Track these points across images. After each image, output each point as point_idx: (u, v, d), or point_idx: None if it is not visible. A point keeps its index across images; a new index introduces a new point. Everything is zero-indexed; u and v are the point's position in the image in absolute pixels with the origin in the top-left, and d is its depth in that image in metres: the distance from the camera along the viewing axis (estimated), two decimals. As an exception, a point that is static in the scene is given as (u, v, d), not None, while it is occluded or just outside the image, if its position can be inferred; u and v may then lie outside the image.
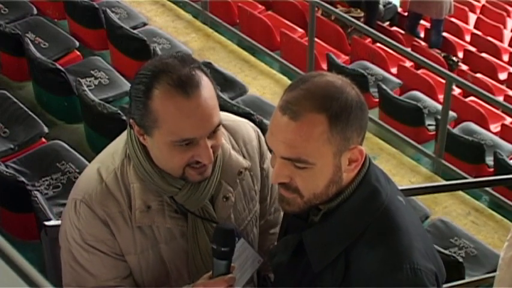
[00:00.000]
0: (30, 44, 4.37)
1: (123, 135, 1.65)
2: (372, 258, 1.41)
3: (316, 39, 6.25)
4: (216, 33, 6.48)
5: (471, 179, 5.11)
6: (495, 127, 6.64)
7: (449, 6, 8.58)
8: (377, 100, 6.16)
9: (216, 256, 1.56)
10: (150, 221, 1.59)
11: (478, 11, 10.99)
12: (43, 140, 3.74)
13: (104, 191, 1.57)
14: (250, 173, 1.72)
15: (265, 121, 4.21)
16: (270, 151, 1.47)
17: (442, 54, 8.29)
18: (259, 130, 1.80)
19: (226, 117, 1.74)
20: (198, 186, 1.59)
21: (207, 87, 1.51)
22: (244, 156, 1.71)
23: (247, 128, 1.77)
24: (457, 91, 6.94)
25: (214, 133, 1.53)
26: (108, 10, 5.16)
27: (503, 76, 8.44)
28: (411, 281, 1.39)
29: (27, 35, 4.68)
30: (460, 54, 8.79)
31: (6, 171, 3.17)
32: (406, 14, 9.34)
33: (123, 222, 1.58)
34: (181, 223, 1.62)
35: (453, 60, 8.21)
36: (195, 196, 1.59)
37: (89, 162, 1.73)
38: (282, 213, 1.88)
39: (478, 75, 7.96)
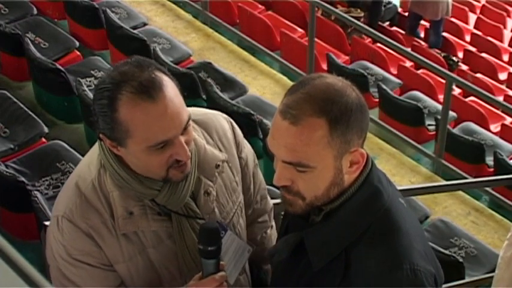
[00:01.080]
0: (30, 44, 4.37)
1: (97, 146, 1.63)
2: (372, 258, 1.42)
3: (316, 39, 6.25)
4: (216, 33, 6.48)
5: (471, 179, 5.11)
6: (495, 127, 6.64)
7: (446, 8, 8.55)
8: (377, 100, 6.16)
9: (204, 256, 1.56)
10: (135, 227, 1.57)
11: (478, 11, 10.99)
12: (43, 140, 3.74)
13: (83, 203, 1.56)
14: (228, 164, 1.71)
15: (265, 121, 4.20)
16: (272, 154, 1.47)
17: (442, 54, 8.28)
18: (231, 120, 1.79)
19: (196, 111, 1.73)
20: (177, 185, 1.58)
21: (169, 87, 1.49)
22: (220, 149, 1.70)
23: (219, 119, 1.75)
24: (457, 91, 6.94)
25: (185, 129, 1.52)
26: (108, 10, 5.17)
27: (503, 76, 8.44)
28: (411, 282, 1.40)
29: (27, 35, 4.68)
30: (460, 54, 8.79)
31: (6, 171, 3.17)
32: (406, 14, 9.34)
33: (107, 232, 1.56)
34: (166, 224, 1.61)
35: (453, 60, 8.20)
36: (176, 195, 1.58)
37: (75, 168, 1.72)
38: (269, 201, 1.90)
39: (478, 75, 7.96)
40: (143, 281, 1.62)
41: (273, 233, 1.92)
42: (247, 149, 1.80)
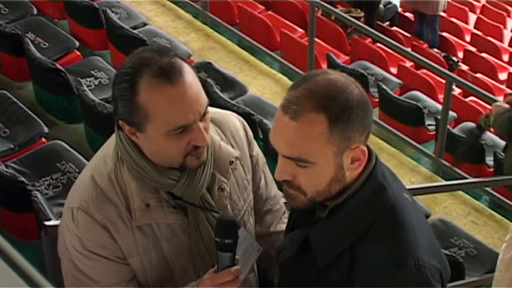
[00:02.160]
0: (30, 44, 4.37)
1: (112, 139, 1.64)
2: (376, 254, 1.42)
3: (316, 39, 6.25)
4: (216, 33, 6.48)
5: (471, 179, 5.11)
6: (495, 127, 6.63)
7: (444, 2, 8.60)
8: (377, 100, 6.16)
9: (220, 249, 1.55)
10: (151, 219, 1.58)
11: (478, 11, 11.00)
12: (43, 140, 3.74)
13: (100, 195, 1.57)
14: (240, 162, 1.73)
15: (265, 121, 4.21)
16: (274, 150, 1.47)
17: (442, 54, 8.28)
18: (243, 119, 1.82)
19: (209, 110, 1.74)
20: (194, 175, 1.58)
21: (189, 72, 1.52)
22: (233, 147, 1.72)
23: (232, 118, 1.78)
24: (457, 91, 6.94)
25: (204, 116, 1.54)
26: (108, 10, 5.17)
27: (503, 76, 8.44)
28: (415, 277, 1.40)
29: (27, 35, 4.68)
30: (460, 54, 8.78)
31: (6, 171, 3.17)
32: (407, 15, 9.34)
33: (122, 225, 1.57)
34: (182, 218, 1.62)
35: (453, 60, 8.20)
36: (193, 185, 1.58)
37: (89, 162, 1.73)
38: (280, 193, 1.89)
39: (478, 75, 7.96)
40: (156, 275, 1.62)
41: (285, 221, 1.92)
42: (258, 148, 1.83)
